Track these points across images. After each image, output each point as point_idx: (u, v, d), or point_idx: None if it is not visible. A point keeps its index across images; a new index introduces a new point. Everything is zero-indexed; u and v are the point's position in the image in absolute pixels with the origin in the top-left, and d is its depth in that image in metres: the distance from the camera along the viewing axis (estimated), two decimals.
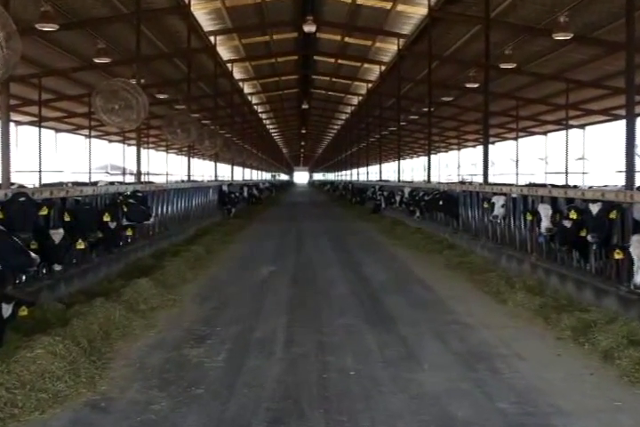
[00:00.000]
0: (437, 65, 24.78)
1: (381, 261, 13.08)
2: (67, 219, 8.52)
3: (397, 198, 22.67)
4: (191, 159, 25.12)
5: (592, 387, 5.39)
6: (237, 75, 33.50)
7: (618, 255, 7.36)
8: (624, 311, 7.12)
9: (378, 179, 37.58)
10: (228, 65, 30.46)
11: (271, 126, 62.76)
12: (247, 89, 38.30)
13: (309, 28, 23.49)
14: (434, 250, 14.00)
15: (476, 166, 49.10)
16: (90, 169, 34.25)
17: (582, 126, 36.81)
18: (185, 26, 21.38)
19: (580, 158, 37.28)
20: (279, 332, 7.20)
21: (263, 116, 52.69)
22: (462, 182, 31.52)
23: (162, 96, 29.67)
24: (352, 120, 46.42)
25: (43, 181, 27.31)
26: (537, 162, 43.60)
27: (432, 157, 26.61)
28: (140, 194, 12.32)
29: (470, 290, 9.76)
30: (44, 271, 8.24)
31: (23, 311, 5.69)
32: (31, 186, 18.53)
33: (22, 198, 7.29)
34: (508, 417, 4.76)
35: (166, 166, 55.56)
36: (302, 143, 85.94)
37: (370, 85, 35.47)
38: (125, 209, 10.78)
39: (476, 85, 25.19)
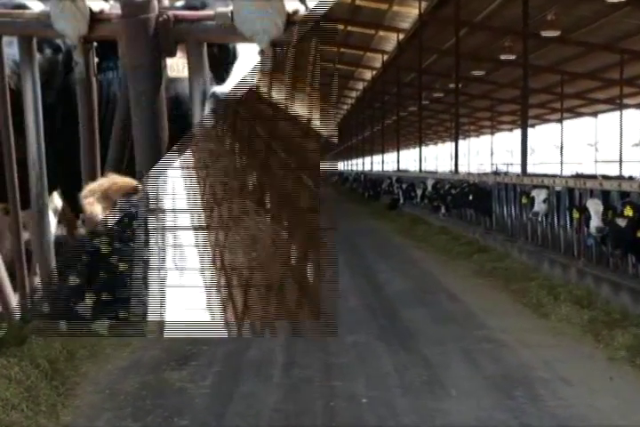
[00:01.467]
0: (466, 33, 24.78)
1: (399, 267, 13.07)
2: None
3: (419, 192, 22.63)
4: None
5: None
6: None
7: None
8: None
9: (395, 169, 37.64)
10: None
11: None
12: None
13: None
14: (462, 253, 13.99)
15: (513, 154, 49.11)
16: None
17: (639, 106, 36.77)
18: None
19: (637, 144, 37.25)
20: (277, 351, 7.18)
21: None
22: (496, 173, 31.47)
23: None
24: (364, 98, 46.46)
25: None
26: (585, 148, 43.62)
27: (460, 142, 26.63)
28: None
29: (506, 302, 9.75)
30: None
31: None
32: None
33: None
34: None
35: None
36: None
37: (385, 57, 35.49)
38: None
39: (512, 57, 25.20)
